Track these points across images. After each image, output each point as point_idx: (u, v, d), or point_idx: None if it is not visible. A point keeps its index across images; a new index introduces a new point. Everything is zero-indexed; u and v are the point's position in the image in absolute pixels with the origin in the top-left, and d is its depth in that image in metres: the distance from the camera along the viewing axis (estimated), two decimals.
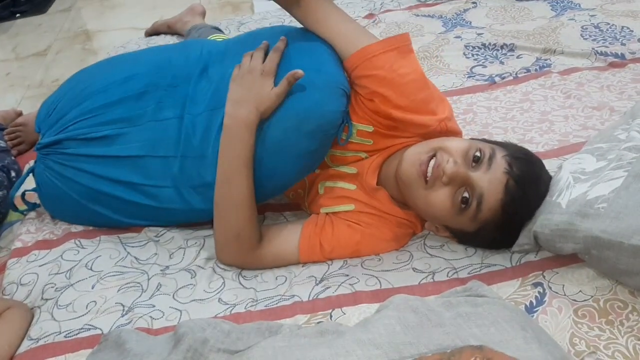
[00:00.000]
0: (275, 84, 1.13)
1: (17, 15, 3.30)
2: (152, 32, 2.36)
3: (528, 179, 1.06)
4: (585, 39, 1.83)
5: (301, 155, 1.15)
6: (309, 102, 1.11)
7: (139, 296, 1.14)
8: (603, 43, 1.79)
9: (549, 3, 2.10)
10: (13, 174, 1.57)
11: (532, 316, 0.97)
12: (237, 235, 1.15)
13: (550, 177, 1.12)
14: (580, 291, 1.00)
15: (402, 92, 1.13)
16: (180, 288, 1.15)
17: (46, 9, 3.32)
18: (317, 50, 1.17)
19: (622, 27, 1.86)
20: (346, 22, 1.19)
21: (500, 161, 1.05)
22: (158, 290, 1.15)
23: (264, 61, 1.16)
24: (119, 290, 1.15)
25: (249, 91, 1.12)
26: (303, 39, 1.20)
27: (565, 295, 1.00)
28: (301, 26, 1.24)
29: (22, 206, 1.40)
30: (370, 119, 1.17)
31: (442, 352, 0.43)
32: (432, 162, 1.07)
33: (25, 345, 1.07)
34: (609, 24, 1.89)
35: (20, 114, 1.91)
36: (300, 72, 1.10)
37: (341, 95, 1.14)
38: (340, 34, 1.17)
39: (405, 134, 1.17)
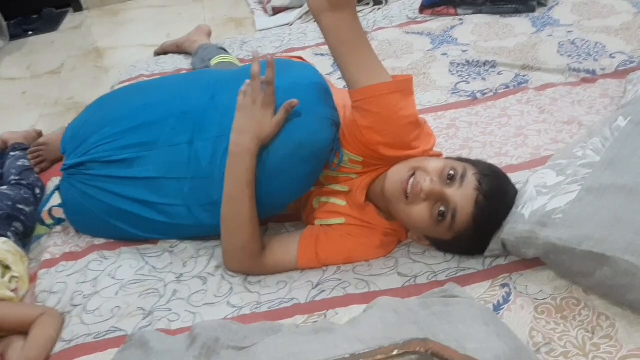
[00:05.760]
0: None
1: (30, 32, 3.42)
2: (161, 52, 2.51)
3: (496, 194, 1.20)
4: (562, 55, 1.96)
5: (297, 178, 1.30)
6: (304, 132, 1.26)
7: (158, 301, 1.28)
8: (577, 59, 1.92)
9: (530, 19, 2.23)
10: (38, 190, 1.71)
11: (499, 313, 1.12)
12: (242, 247, 1.30)
13: (516, 191, 1.26)
14: (541, 290, 1.15)
15: (396, 132, 1.26)
16: (194, 293, 1.29)
17: (57, 26, 3.45)
18: (309, 86, 1.32)
19: (596, 43, 1.99)
20: (368, 52, 1.24)
21: (471, 179, 1.20)
22: (174, 295, 1.29)
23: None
24: (139, 296, 1.30)
25: (251, 121, 1.25)
26: (296, 74, 1.34)
27: (528, 294, 1.15)
28: (291, 58, 1.37)
29: (49, 220, 1.54)
30: (360, 150, 1.31)
31: (396, 344, 0.58)
32: (411, 181, 1.22)
33: (59, 346, 1.21)
34: (584, 40, 2.02)
35: (40, 134, 2.04)
36: (295, 101, 1.24)
37: (331, 125, 1.29)
38: (361, 62, 1.23)
39: (391, 163, 1.30)
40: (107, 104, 1.53)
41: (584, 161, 1.21)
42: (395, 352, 0.57)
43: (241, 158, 1.25)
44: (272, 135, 1.25)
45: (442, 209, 1.19)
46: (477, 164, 1.25)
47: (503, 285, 1.18)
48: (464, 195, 1.18)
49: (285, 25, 2.75)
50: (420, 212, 1.21)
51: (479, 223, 1.19)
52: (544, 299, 1.13)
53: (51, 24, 3.49)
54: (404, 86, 1.26)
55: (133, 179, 1.37)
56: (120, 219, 1.41)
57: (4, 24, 3.27)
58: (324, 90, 1.35)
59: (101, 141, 1.40)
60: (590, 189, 1.14)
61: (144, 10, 3.47)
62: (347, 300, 1.22)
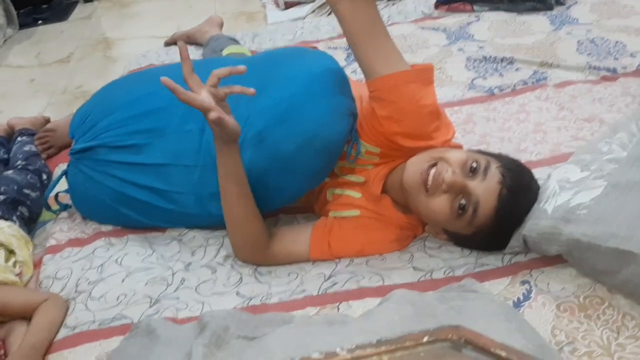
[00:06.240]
0: (272, 99, 1.24)
1: (39, 22, 3.41)
2: (172, 42, 2.48)
3: (519, 189, 1.16)
4: (581, 53, 1.93)
5: (309, 171, 1.26)
6: (317, 123, 1.22)
7: (165, 289, 1.25)
8: (597, 57, 1.89)
9: (548, 17, 2.20)
10: (44, 176, 1.69)
11: (519, 310, 1.08)
12: (244, 239, 1.27)
13: (539, 187, 1.22)
14: (563, 288, 1.11)
15: (415, 122, 1.22)
16: (202, 282, 1.26)
17: (67, 16, 3.44)
18: (325, 74, 1.28)
19: (616, 42, 1.96)
20: (386, 41, 1.21)
21: (495, 172, 1.16)
22: (182, 284, 1.26)
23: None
24: (146, 284, 1.26)
25: (214, 130, 1.15)
26: (311, 62, 1.31)
27: (549, 292, 1.11)
28: (303, 47, 1.33)
29: (55, 206, 1.52)
30: (378, 141, 1.27)
31: (427, 330, 0.55)
32: (432, 171, 1.18)
33: (63, 333, 1.18)
34: (603, 38, 1.98)
35: (48, 121, 2.02)
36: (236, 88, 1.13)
37: (348, 116, 1.26)
38: (379, 50, 1.19)
39: (409, 154, 1.26)
40: (117, 89, 1.50)
41: (609, 156, 1.17)
42: (425, 339, 0.54)
43: (223, 159, 1.19)
44: (231, 134, 1.14)
45: (463, 202, 1.15)
46: (500, 158, 1.22)
47: (523, 282, 1.14)
48: (486, 189, 1.14)
49: (297, 19, 2.71)
50: (440, 204, 1.17)
51: (501, 218, 1.15)
52: (567, 297, 1.10)
53: (61, 14, 3.47)
54: (423, 75, 1.22)
55: (141, 165, 1.34)
56: (127, 206, 1.38)
57: (14, 12, 3.25)
58: (341, 79, 1.31)
59: (111, 126, 1.37)
60: (617, 184, 1.10)
61: (154, 2, 3.45)
62: (360, 294, 1.18)
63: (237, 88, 1.13)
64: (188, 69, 1.13)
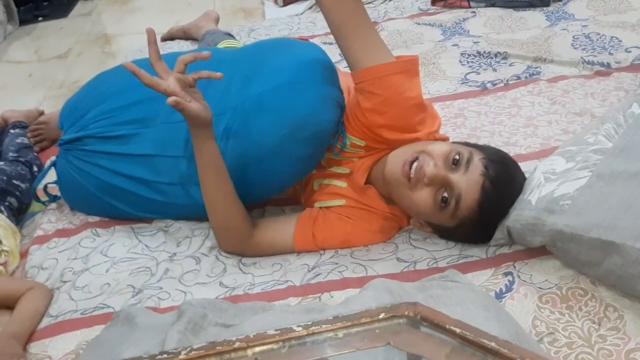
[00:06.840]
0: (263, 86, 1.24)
1: (40, 18, 3.42)
2: (168, 37, 2.48)
3: (503, 180, 1.15)
4: (576, 48, 1.91)
5: (297, 160, 1.25)
6: (305, 111, 1.21)
7: (148, 279, 1.25)
8: (592, 52, 1.87)
9: (544, 13, 2.18)
10: (35, 168, 1.69)
11: (501, 301, 1.07)
12: (225, 227, 1.26)
13: (524, 178, 1.21)
14: (546, 280, 1.10)
15: (400, 115, 1.21)
16: (186, 273, 1.26)
17: (67, 13, 3.45)
18: (313, 64, 1.27)
19: (612, 37, 1.94)
20: (371, 32, 1.21)
21: (478, 163, 1.15)
22: (165, 274, 1.26)
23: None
24: (130, 274, 1.26)
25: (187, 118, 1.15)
26: (299, 52, 1.30)
27: (532, 283, 1.10)
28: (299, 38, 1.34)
29: (44, 197, 1.52)
30: (363, 133, 1.26)
31: (384, 307, 0.54)
32: (415, 165, 1.17)
33: (46, 321, 1.18)
34: (599, 34, 1.97)
35: (42, 113, 2.01)
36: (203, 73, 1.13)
37: (335, 107, 1.25)
38: (363, 42, 1.19)
39: (394, 147, 1.25)
40: (107, 80, 1.50)
41: (595, 147, 1.16)
42: (381, 316, 0.53)
43: (198, 146, 1.18)
44: (200, 118, 1.13)
45: (445, 194, 1.14)
46: (484, 149, 1.20)
47: (506, 274, 1.13)
48: (469, 181, 1.13)
49: (294, 15, 2.71)
50: (422, 197, 1.16)
51: (484, 210, 1.14)
52: (549, 288, 1.09)
53: (61, 11, 3.48)
54: (408, 66, 1.22)
55: (129, 155, 1.34)
56: (115, 197, 1.38)
57: (14, 9, 3.27)
58: (329, 70, 1.30)
59: (99, 116, 1.38)
60: (602, 175, 1.09)
61: None
62: (343, 284, 1.18)
63: (205, 73, 1.13)
64: (155, 55, 1.13)
